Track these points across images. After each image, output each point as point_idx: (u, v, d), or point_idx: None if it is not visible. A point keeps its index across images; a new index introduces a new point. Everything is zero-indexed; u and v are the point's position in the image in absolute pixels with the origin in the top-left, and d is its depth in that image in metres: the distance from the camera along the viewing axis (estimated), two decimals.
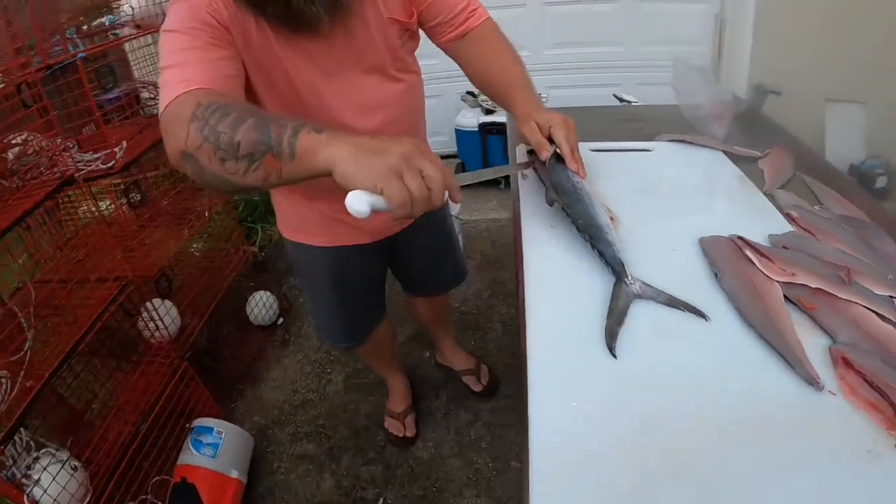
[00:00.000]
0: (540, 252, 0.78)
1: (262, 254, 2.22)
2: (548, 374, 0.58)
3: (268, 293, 2.03)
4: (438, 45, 1.01)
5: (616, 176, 0.98)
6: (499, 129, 2.70)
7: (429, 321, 1.69)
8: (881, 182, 2.96)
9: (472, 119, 2.75)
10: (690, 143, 1.13)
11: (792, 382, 0.57)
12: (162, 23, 0.76)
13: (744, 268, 0.71)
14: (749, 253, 0.72)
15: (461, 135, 2.84)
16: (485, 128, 2.73)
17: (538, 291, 0.70)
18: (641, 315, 0.65)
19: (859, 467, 0.49)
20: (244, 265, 1.97)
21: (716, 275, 0.70)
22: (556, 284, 0.72)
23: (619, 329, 0.62)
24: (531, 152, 0.97)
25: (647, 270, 0.70)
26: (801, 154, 1.11)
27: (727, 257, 0.73)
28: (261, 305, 2.00)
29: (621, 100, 2.42)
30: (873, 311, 0.68)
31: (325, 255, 1.14)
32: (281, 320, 2.09)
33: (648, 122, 1.30)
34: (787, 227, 0.84)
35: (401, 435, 1.62)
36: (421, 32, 1.00)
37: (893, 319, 0.67)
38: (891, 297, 0.72)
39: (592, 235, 0.74)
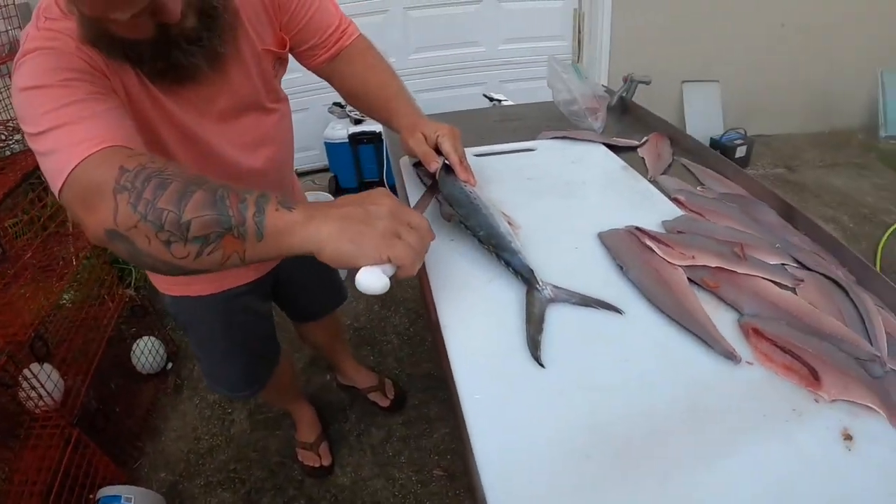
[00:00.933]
0: (444, 270, 0.77)
1: (140, 296, 2.18)
2: (478, 396, 0.59)
3: (152, 338, 2.00)
4: (309, 68, 1.02)
5: (504, 179, 1.00)
6: (369, 138, 2.73)
7: (325, 344, 1.72)
8: (740, 152, 3.36)
9: (341, 131, 2.75)
10: (572, 138, 1.19)
11: (712, 360, 0.63)
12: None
13: (646, 257, 0.75)
14: (648, 242, 0.76)
15: (331, 148, 2.85)
16: (355, 138, 2.74)
17: (451, 311, 0.69)
18: (557, 319, 0.67)
19: (789, 426, 0.55)
20: (122, 311, 1.94)
21: (621, 268, 0.74)
22: (467, 301, 0.71)
23: (540, 337, 0.63)
24: (417, 164, 0.99)
25: (555, 273, 0.73)
26: (676, 138, 1.20)
27: (628, 249, 0.77)
28: (146, 352, 1.97)
29: (491, 99, 2.53)
30: (770, 281, 0.74)
31: (213, 302, 1.10)
32: (170, 365, 2.06)
33: (525, 120, 1.37)
34: (677, 212, 0.90)
35: (317, 465, 1.63)
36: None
37: (790, 285, 0.74)
38: (782, 264, 0.79)
39: (496, 245, 0.75)
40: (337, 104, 2.79)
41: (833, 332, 0.69)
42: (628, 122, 1.37)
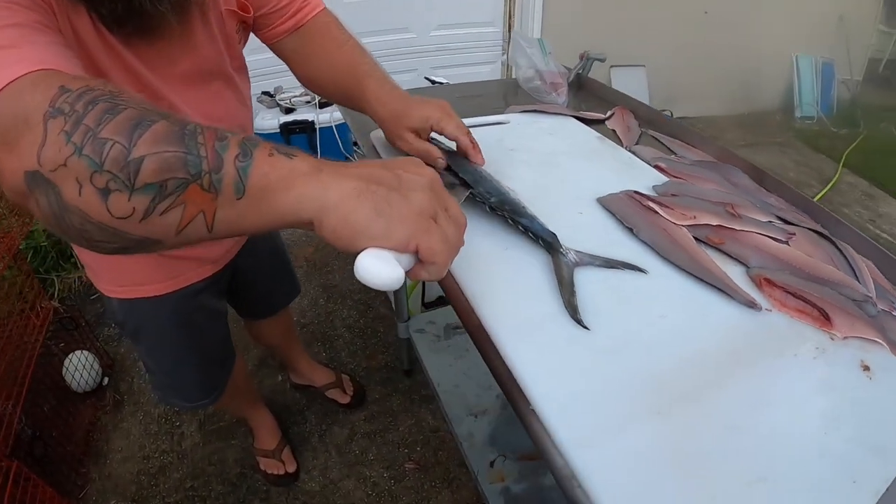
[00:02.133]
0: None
1: (66, 307, 2.03)
2: (530, 361, 0.58)
3: (84, 352, 1.87)
4: (265, 40, 0.92)
5: (486, 150, 0.99)
6: (301, 127, 2.65)
7: (278, 342, 1.66)
8: None
9: (271, 121, 2.66)
10: (542, 111, 1.20)
11: (735, 309, 0.67)
12: None
13: (652, 218, 0.78)
14: (651, 204, 0.78)
15: (262, 138, 2.72)
16: (287, 128, 2.66)
17: (474, 281, 0.68)
18: (584, 281, 0.68)
19: (817, 363, 0.62)
20: (48, 326, 1.79)
21: (630, 230, 0.76)
22: (488, 270, 0.70)
23: (576, 300, 0.63)
24: None
25: (566, 238, 0.73)
26: (639, 111, 1.25)
27: (634, 212, 0.79)
28: (80, 369, 1.84)
29: (433, 82, 2.52)
30: (767, 236, 0.78)
31: (168, 302, 1.00)
32: (106, 380, 1.94)
33: (486, 97, 1.39)
34: (661, 178, 0.95)
35: (281, 473, 1.58)
36: None
37: (783, 239, 0.79)
38: (769, 221, 0.83)
39: (511, 211, 0.74)
40: (266, 93, 2.69)
41: (831, 278, 0.74)
42: (584, 98, 1.41)
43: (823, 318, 0.68)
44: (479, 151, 0.84)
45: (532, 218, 0.74)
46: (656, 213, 0.79)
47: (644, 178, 0.94)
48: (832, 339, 0.66)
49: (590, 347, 0.59)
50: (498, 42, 3.31)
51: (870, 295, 0.74)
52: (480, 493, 1.36)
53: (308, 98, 2.70)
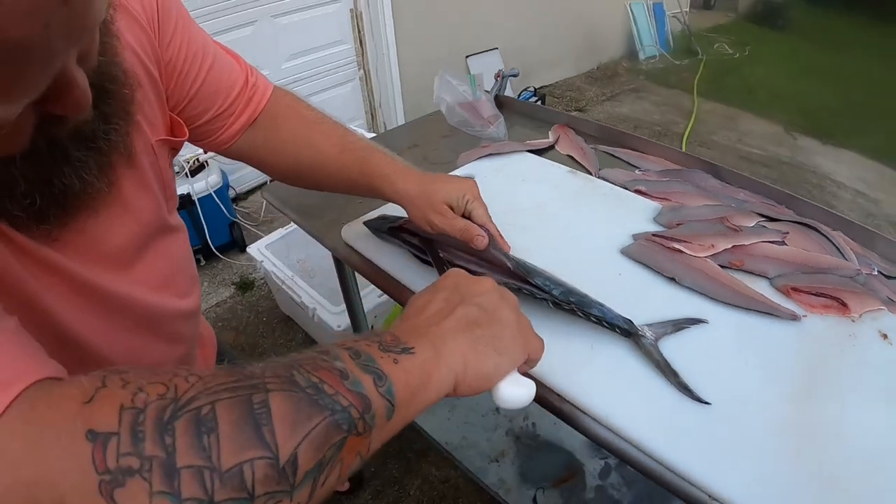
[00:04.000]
0: None
1: None
2: (682, 448, 0.64)
3: None
4: (214, 148, 0.78)
5: None
6: (180, 203, 2.47)
7: None
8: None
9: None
10: (495, 153, 1.25)
11: (783, 326, 0.81)
12: None
13: (683, 260, 0.87)
14: (677, 245, 0.88)
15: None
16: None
17: (578, 390, 0.71)
18: (668, 353, 0.75)
19: (856, 348, 0.78)
20: None
21: (673, 279, 0.84)
22: (584, 373, 0.73)
23: (683, 378, 0.70)
24: (395, 229, 0.89)
25: (633, 313, 0.77)
26: (573, 125, 1.37)
27: (666, 258, 0.89)
28: None
29: None
30: (768, 242, 0.91)
31: None
32: None
33: (424, 145, 1.38)
34: (648, 204, 1.05)
35: None
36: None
37: (778, 240, 0.92)
38: (758, 223, 0.96)
39: (578, 303, 0.74)
40: None
41: (830, 265, 0.90)
42: (511, 119, 1.46)
43: (842, 306, 0.82)
44: (503, 241, 0.82)
45: (601, 306, 0.75)
46: (682, 252, 0.88)
47: (637, 208, 1.04)
48: (853, 321, 0.82)
49: (719, 419, 0.68)
50: (351, 58, 3.31)
51: (859, 268, 0.89)
52: None
53: (176, 169, 2.53)
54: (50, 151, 0.46)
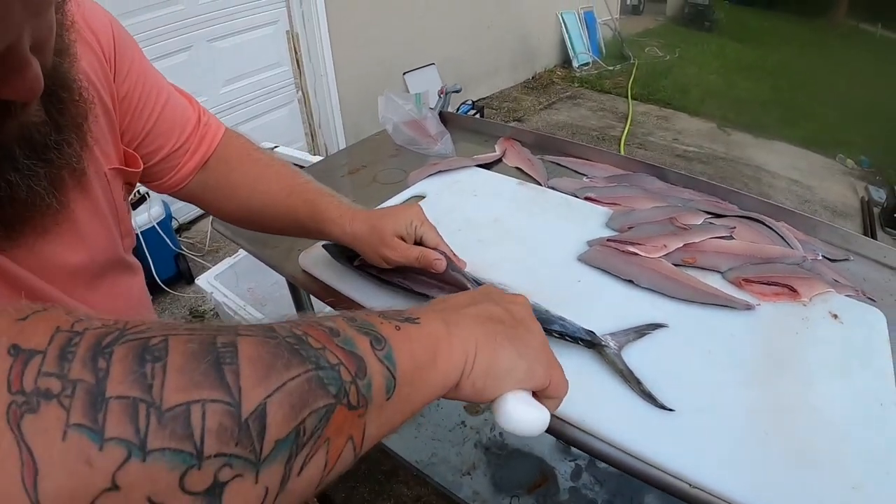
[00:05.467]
0: None
1: None
2: (655, 440, 0.67)
3: None
4: (166, 190, 0.77)
5: None
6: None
7: None
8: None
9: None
10: (445, 170, 1.26)
11: (739, 316, 0.85)
12: None
13: (639, 262, 0.89)
14: (632, 248, 0.90)
15: None
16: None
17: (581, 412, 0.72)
18: (633, 356, 0.77)
19: (809, 330, 0.83)
20: None
21: (631, 281, 0.86)
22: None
23: (647, 387, 0.72)
24: (352, 257, 0.87)
25: (593, 321, 0.79)
26: (517, 136, 1.41)
27: (623, 262, 0.92)
28: None
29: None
30: (717, 237, 0.94)
31: None
32: None
33: (372, 166, 1.38)
34: (599, 211, 1.08)
35: None
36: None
37: (726, 235, 0.96)
38: (706, 220, 1.00)
39: (539, 320, 0.74)
40: None
41: (777, 255, 0.94)
42: (456, 135, 1.48)
43: (792, 292, 0.86)
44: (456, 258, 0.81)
45: (562, 321, 0.76)
46: (636, 254, 0.91)
47: (588, 215, 1.07)
48: (804, 305, 0.87)
49: (692, 410, 0.70)
50: (289, 80, 3.29)
51: (804, 255, 0.93)
52: None
53: None
54: None
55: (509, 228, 1.05)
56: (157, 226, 2.44)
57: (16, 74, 0.35)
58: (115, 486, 0.23)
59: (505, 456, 1.61)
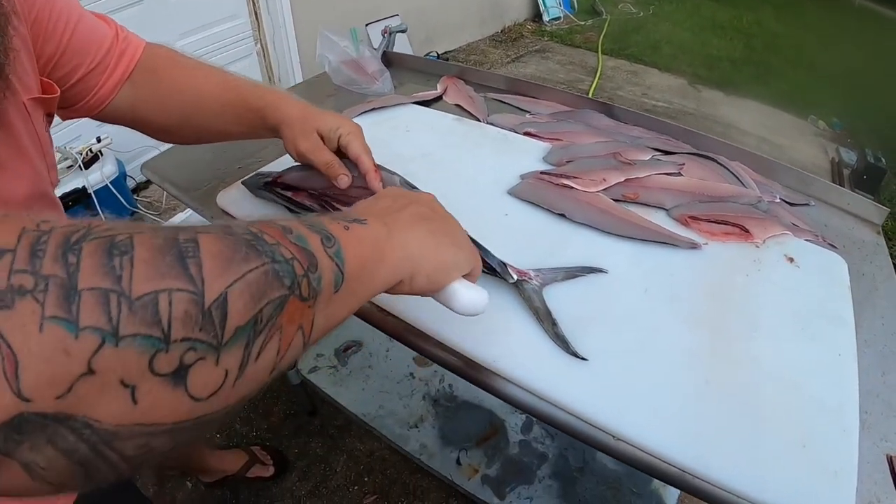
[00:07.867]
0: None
1: None
2: (586, 392, 0.59)
3: None
4: (89, 112, 0.72)
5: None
6: (73, 198, 2.28)
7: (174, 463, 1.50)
8: None
9: None
10: (380, 107, 1.16)
11: (683, 254, 0.76)
12: None
13: (573, 196, 0.80)
14: (565, 181, 0.80)
15: None
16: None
17: (451, 333, 0.65)
18: (554, 302, 0.68)
19: (761, 272, 0.75)
20: None
21: (563, 215, 0.77)
22: (456, 318, 0.66)
23: (561, 328, 0.63)
24: (269, 184, 0.81)
25: (516, 255, 0.71)
26: (463, 76, 1.29)
27: (556, 196, 0.82)
28: None
29: None
30: (663, 174, 0.85)
31: None
32: None
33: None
34: (538, 145, 0.99)
35: None
36: None
37: (674, 171, 0.87)
38: (653, 157, 0.91)
39: None
40: None
41: (729, 193, 0.85)
42: (400, 75, 1.39)
43: (744, 232, 0.78)
44: (379, 178, 0.75)
45: (480, 249, 0.68)
46: (572, 188, 0.81)
47: (526, 150, 0.97)
48: (757, 247, 0.79)
49: (625, 355, 0.62)
50: (247, 33, 3.12)
51: (760, 196, 0.85)
52: (463, 492, 1.38)
53: (69, 162, 2.31)
54: None
55: (439, 162, 0.96)
56: (110, 184, 2.33)
57: None
58: (90, 371, 0.25)
59: (454, 408, 1.58)
